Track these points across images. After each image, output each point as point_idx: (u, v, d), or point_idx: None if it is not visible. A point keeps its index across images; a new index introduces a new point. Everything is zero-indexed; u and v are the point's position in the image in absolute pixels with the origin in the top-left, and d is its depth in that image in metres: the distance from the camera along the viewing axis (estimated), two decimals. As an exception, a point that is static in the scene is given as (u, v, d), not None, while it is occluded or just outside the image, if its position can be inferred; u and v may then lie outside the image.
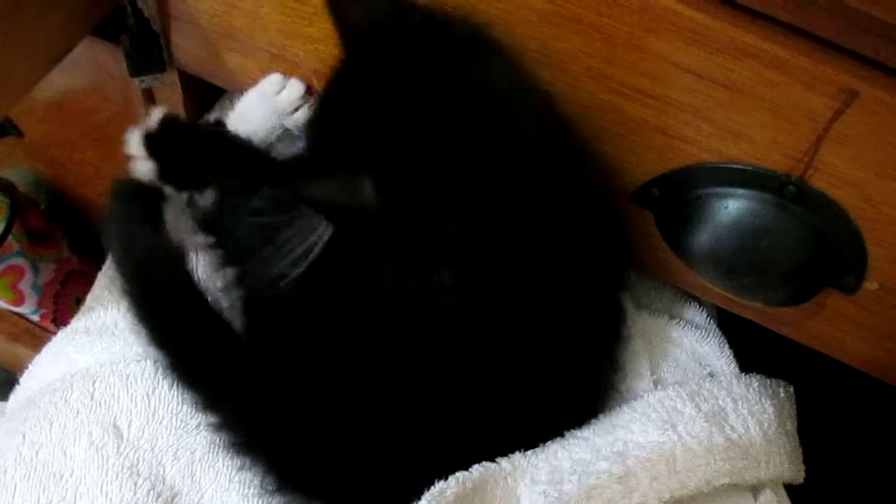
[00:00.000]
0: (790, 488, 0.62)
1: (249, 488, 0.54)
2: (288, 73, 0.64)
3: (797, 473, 0.61)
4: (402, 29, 0.47)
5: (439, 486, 0.51)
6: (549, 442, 0.56)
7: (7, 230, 0.97)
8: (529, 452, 0.55)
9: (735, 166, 0.52)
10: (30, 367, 0.63)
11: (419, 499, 0.51)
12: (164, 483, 0.53)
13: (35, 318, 1.09)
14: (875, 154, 0.47)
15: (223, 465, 0.55)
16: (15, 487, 0.53)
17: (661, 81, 0.50)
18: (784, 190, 0.51)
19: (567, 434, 0.57)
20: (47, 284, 1.05)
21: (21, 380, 0.63)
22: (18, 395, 0.62)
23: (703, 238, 0.55)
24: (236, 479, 0.54)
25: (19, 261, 1.00)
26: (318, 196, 0.45)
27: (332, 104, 0.48)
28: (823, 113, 0.47)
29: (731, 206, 0.53)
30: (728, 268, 0.55)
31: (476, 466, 0.53)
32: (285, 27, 0.60)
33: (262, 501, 0.54)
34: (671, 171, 0.54)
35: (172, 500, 0.53)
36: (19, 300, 1.04)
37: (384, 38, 0.47)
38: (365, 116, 0.46)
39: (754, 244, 0.53)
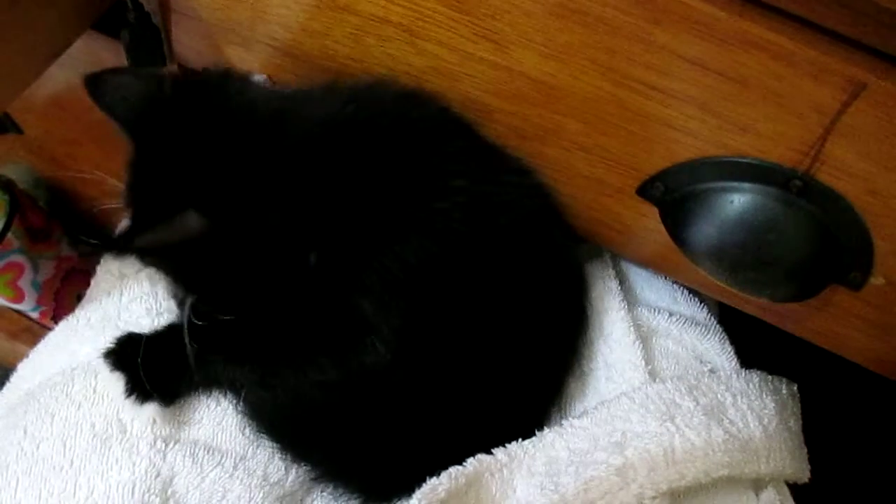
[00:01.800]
0: (795, 487, 0.61)
1: (253, 478, 0.54)
2: (289, 67, 0.63)
3: (801, 472, 0.61)
4: (165, 99, 0.55)
5: (430, 483, 0.52)
6: (547, 431, 0.56)
7: (6, 227, 0.97)
8: (527, 442, 0.55)
9: (740, 160, 0.52)
10: (30, 355, 0.63)
11: (410, 497, 0.51)
12: (164, 461, 0.53)
13: (35, 315, 1.09)
14: (883, 147, 0.47)
15: (228, 452, 0.55)
16: (17, 482, 0.53)
17: (666, 74, 0.49)
18: (790, 184, 0.51)
19: (565, 423, 0.57)
20: (47, 282, 1.05)
21: (19, 367, 0.63)
22: (17, 387, 0.61)
23: (708, 233, 0.54)
24: (241, 466, 0.54)
25: (19, 258, 1.00)
26: (153, 243, 0.51)
27: (138, 175, 0.55)
28: (830, 105, 0.46)
29: (737, 201, 0.53)
30: (733, 263, 0.55)
31: (470, 459, 0.53)
32: (287, 20, 0.60)
33: (264, 492, 0.53)
34: (676, 165, 0.54)
35: (172, 479, 0.53)
36: (19, 297, 1.04)
37: (156, 111, 0.54)
38: (170, 173, 0.53)
39: (759, 239, 0.53)
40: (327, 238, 0.53)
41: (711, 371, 0.63)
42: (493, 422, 0.57)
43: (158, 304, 0.62)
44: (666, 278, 0.70)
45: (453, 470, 0.52)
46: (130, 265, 0.64)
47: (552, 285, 0.60)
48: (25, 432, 0.55)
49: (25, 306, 1.06)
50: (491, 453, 0.54)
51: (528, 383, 0.58)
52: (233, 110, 0.54)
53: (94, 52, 0.76)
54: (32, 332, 1.11)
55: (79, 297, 1.04)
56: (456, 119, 0.58)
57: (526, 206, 0.59)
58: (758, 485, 0.59)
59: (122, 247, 0.56)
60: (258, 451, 0.56)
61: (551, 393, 0.61)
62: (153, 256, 0.55)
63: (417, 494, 0.51)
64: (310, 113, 0.56)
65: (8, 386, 0.62)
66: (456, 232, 0.54)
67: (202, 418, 0.56)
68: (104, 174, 0.59)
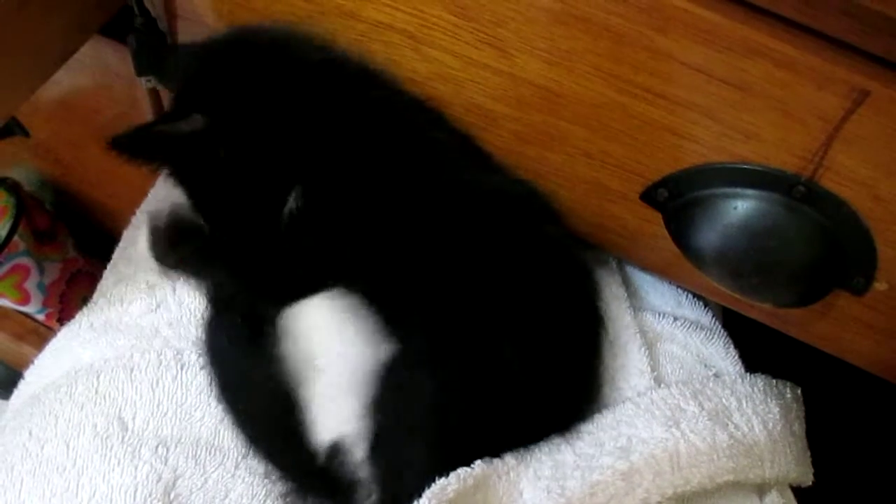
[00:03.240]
0: (798, 490, 0.61)
1: (254, 476, 0.54)
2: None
3: (805, 475, 0.61)
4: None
5: (440, 482, 0.52)
6: (553, 435, 0.56)
7: (13, 230, 0.98)
8: (533, 446, 0.55)
9: (744, 166, 0.52)
10: (35, 361, 0.64)
11: (420, 497, 0.51)
12: (165, 464, 0.54)
13: (40, 317, 1.09)
14: (886, 153, 0.47)
15: (229, 451, 0.55)
16: (22, 483, 0.53)
17: (669, 81, 0.49)
18: (793, 190, 0.51)
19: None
20: (53, 284, 1.05)
21: (25, 374, 0.63)
22: (23, 391, 0.62)
23: (712, 239, 0.54)
24: (242, 465, 0.55)
25: (25, 260, 1.01)
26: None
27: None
28: (834, 112, 0.46)
29: (740, 207, 0.53)
30: (736, 269, 0.55)
31: (478, 462, 0.53)
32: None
33: (266, 490, 0.54)
34: (680, 171, 0.54)
35: (174, 482, 0.53)
36: (25, 299, 1.04)
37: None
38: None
39: (763, 245, 0.53)
40: (310, 184, 0.56)
41: (716, 375, 0.63)
42: (512, 422, 0.57)
43: (157, 305, 0.63)
44: (670, 282, 0.70)
45: (461, 471, 0.52)
46: (132, 265, 0.65)
47: (560, 285, 0.60)
48: (30, 434, 0.56)
49: (31, 308, 1.07)
50: (498, 456, 0.54)
51: (539, 387, 0.58)
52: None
53: (100, 57, 0.77)
54: (38, 334, 1.12)
55: (84, 300, 1.04)
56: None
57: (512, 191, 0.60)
58: (762, 489, 0.59)
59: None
60: None
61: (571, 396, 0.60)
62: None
63: (427, 493, 0.51)
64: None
65: (16, 392, 0.63)
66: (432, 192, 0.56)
67: (203, 416, 0.57)
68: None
